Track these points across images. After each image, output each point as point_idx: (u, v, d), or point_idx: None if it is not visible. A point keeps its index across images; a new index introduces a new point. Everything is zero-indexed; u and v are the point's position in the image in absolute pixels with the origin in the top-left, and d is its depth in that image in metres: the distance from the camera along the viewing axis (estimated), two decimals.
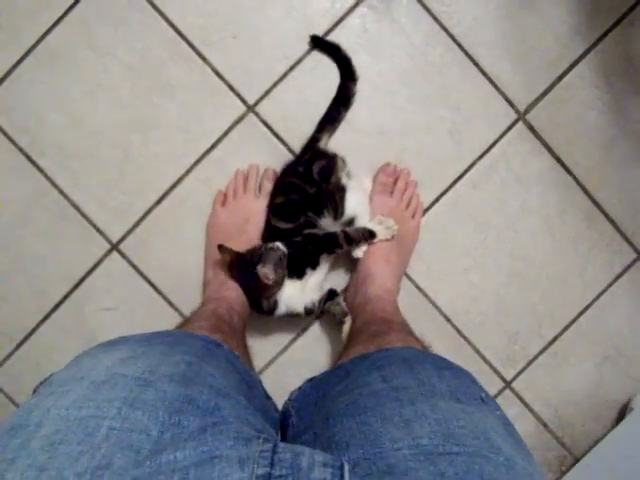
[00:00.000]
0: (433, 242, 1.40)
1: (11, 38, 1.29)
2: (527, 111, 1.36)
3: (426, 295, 1.42)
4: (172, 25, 1.30)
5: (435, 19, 1.31)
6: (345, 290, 1.37)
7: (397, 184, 1.35)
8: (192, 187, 1.36)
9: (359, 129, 1.34)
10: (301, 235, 1.24)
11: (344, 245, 1.24)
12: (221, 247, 1.23)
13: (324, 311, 1.31)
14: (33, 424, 0.60)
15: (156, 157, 1.34)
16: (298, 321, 1.37)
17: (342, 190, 1.26)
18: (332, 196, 1.24)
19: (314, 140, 1.31)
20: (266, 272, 1.16)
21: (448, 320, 1.43)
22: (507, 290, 1.43)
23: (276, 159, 1.33)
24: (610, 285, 1.44)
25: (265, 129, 1.34)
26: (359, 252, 1.29)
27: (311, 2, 1.30)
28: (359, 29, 1.31)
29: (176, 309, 1.40)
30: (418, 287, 1.41)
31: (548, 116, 1.36)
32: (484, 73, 1.34)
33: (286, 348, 1.43)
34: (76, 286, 1.38)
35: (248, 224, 1.31)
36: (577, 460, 1.50)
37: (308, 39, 1.31)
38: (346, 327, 1.26)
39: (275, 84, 1.32)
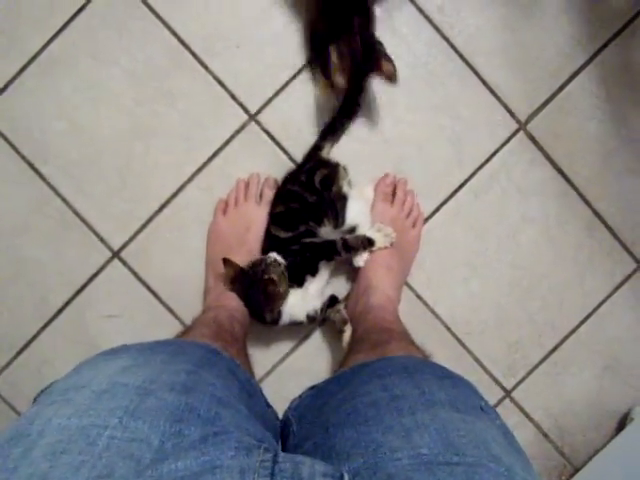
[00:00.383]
0: (434, 251, 1.40)
1: (14, 46, 1.30)
2: (528, 121, 1.36)
3: (426, 304, 1.42)
4: (175, 34, 1.30)
5: (436, 29, 1.32)
6: (346, 298, 1.37)
7: (397, 194, 1.35)
8: (193, 195, 1.36)
9: (360, 138, 1.35)
10: (300, 244, 1.24)
11: (342, 252, 1.24)
12: (226, 261, 1.23)
13: (325, 318, 1.31)
14: (34, 433, 0.59)
15: (158, 165, 1.35)
16: (299, 329, 1.37)
17: (343, 199, 1.26)
18: (333, 205, 1.25)
19: (316, 149, 1.31)
20: (272, 278, 1.17)
21: (448, 329, 1.43)
22: (507, 299, 1.43)
23: (277, 168, 1.34)
24: (610, 295, 1.44)
25: (267, 138, 1.34)
26: (360, 261, 1.29)
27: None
28: None
29: (177, 317, 1.40)
30: (419, 296, 1.41)
31: (549, 126, 1.36)
32: (485, 83, 1.34)
33: (287, 356, 1.43)
34: (77, 293, 1.38)
35: (249, 232, 1.31)
36: (577, 470, 1.49)
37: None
38: (346, 335, 1.26)
39: (277, 93, 1.33)
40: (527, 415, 1.48)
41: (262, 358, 1.41)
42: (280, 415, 1.00)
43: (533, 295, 1.43)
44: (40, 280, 1.38)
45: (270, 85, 1.33)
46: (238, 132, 1.34)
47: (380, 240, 1.28)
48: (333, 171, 1.28)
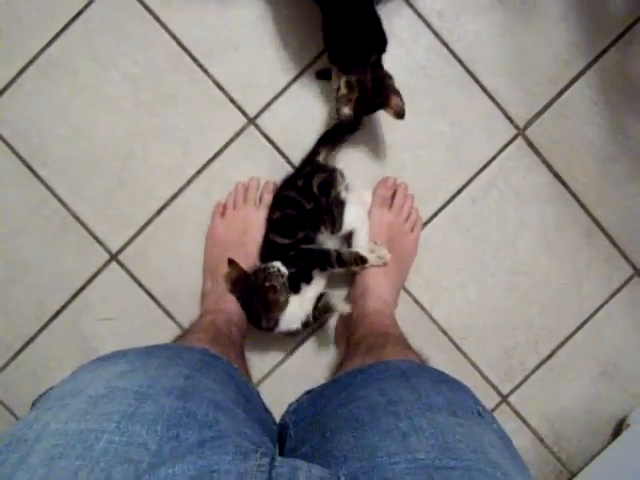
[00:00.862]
0: (431, 256, 1.40)
1: (14, 48, 1.30)
2: (526, 127, 1.36)
3: (424, 309, 1.42)
4: (174, 37, 1.31)
5: (436, 35, 1.32)
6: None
7: (395, 198, 1.35)
8: (192, 198, 1.36)
9: (358, 142, 1.35)
10: (296, 250, 1.24)
11: (335, 265, 1.23)
12: (231, 261, 1.23)
13: (321, 312, 1.28)
14: (32, 438, 0.59)
15: (156, 168, 1.35)
16: (294, 337, 1.38)
17: (341, 204, 1.26)
18: (330, 211, 1.25)
19: (314, 154, 1.31)
20: (274, 285, 1.18)
21: (445, 334, 1.43)
22: (505, 305, 1.43)
23: (276, 171, 1.34)
24: (607, 301, 1.45)
25: (265, 142, 1.35)
26: (357, 268, 1.29)
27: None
28: None
29: (174, 320, 1.40)
30: (416, 301, 1.42)
31: (547, 132, 1.37)
32: (484, 89, 1.34)
33: (284, 361, 1.43)
34: (74, 296, 1.38)
35: (247, 235, 1.32)
36: (573, 475, 1.50)
37: (310, 54, 1.31)
38: (338, 306, 1.25)
39: (276, 97, 1.33)
40: (524, 420, 1.48)
41: (259, 362, 1.41)
42: (277, 419, 1.00)
43: (530, 301, 1.44)
44: (37, 282, 1.38)
45: (269, 89, 1.33)
46: (237, 136, 1.34)
47: (372, 260, 1.28)
48: (330, 176, 1.28)
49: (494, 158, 1.37)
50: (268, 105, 1.33)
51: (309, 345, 1.42)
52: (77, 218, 1.35)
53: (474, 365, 1.44)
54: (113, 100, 1.33)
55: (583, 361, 1.46)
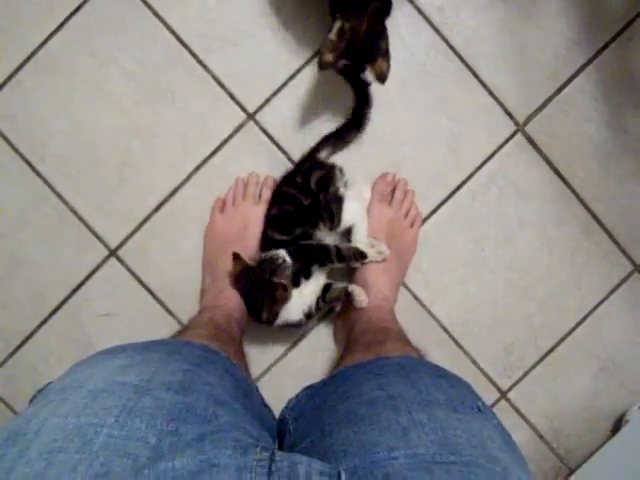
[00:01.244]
0: (431, 252, 1.40)
1: (12, 44, 1.30)
2: (526, 123, 1.36)
3: (423, 305, 1.42)
4: (173, 33, 1.30)
5: (436, 30, 1.32)
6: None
7: (395, 193, 1.35)
8: (191, 194, 1.36)
9: (358, 138, 1.35)
10: (296, 245, 1.24)
11: (335, 261, 1.23)
12: (236, 256, 1.23)
13: (327, 303, 1.29)
14: (31, 432, 0.59)
15: (156, 164, 1.35)
16: (297, 328, 1.37)
17: (339, 200, 1.26)
18: (328, 207, 1.25)
19: (315, 151, 1.31)
20: (284, 283, 1.18)
21: (445, 330, 1.43)
22: (504, 301, 1.43)
23: (275, 167, 1.34)
24: (607, 297, 1.45)
25: (265, 137, 1.34)
26: (356, 263, 1.29)
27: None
28: None
29: (174, 316, 1.40)
30: (415, 297, 1.42)
31: (547, 128, 1.36)
32: (484, 84, 1.34)
33: (283, 356, 1.43)
34: (74, 291, 1.38)
35: (246, 231, 1.31)
36: (572, 471, 1.50)
37: (310, 49, 1.31)
38: (356, 292, 1.26)
39: (275, 92, 1.33)
40: (523, 416, 1.48)
41: (259, 357, 1.41)
42: (277, 415, 1.00)
43: (529, 297, 1.44)
44: (36, 278, 1.38)
45: (268, 84, 1.33)
46: (236, 131, 1.34)
47: (372, 255, 1.27)
48: (329, 172, 1.28)
49: (494, 154, 1.37)
50: (268, 100, 1.33)
51: (308, 341, 1.42)
52: (76, 214, 1.35)
53: (473, 361, 1.45)
54: (112, 96, 1.32)
55: (582, 357, 1.47)
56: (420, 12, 1.31)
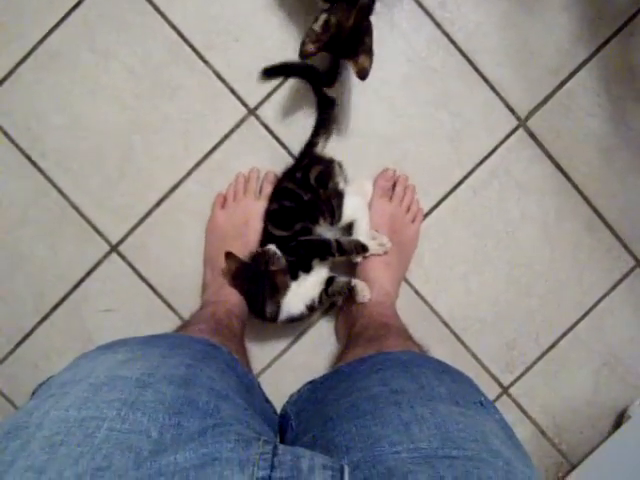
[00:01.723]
0: (432, 247, 1.40)
1: (13, 39, 1.29)
2: (528, 118, 1.36)
3: (425, 300, 1.42)
4: (174, 28, 1.30)
5: (437, 25, 1.32)
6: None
7: (396, 189, 1.35)
8: (192, 189, 1.36)
9: (359, 133, 1.34)
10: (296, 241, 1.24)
11: (336, 254, 1.23)
12: (228, 254, 1.22)
13: (330, 296, 1.28)
14: (33, 425, 0.59)
15: (157, 159, 1.34)
16: (299, 323, 1.37)
17: (339, 195, 1.26)
18: (329, 202, 1.24)
19: (311, 145, 1.31)
20: (282, 268, 1.19)
21: (446, 325, 1.43)
22: (506, 296, 1.43)
23: (276, 162, 1.33)
24: (609, 292, 1.44)
25: (266, 132, 1.34)
26: (358, 257, 1.29)
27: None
28: None
29: (175, 311, 1.39)
30: (417, 292, 1.41)
31: (549, 123, 1.36)
32: (485, 79, 1.34)
33: (284, 352, 1.42)
34: (75, 287, 1.38)
35: (247, 227, 1.31)
36: (574, 467, 1.50)
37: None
38: (359, 286, 1.26)
39: (276, 88, 1.33)
40: (524, 412, 1.48)
41: (260, 353, 1.41)
42: (278, 410, 1.00)
43: (531, 292, 1.43)
44: (37, 274, 1.38)
45: (269, 80, 1.33)
46: (237, 126, 1.34)
47: (374, 248, 1.27)
48: (328, 168, 1.28)
49: (495, 149, 1.37)
50: (269, 96, 1.33)
51: (310, 336, 1.42)
52: (77, 209, 1.35)
53: (475, 356, 1.44)
54: (113, 91, 1.32)
55: (584, 353, 1.46)
56: (421, 6, 1.31)
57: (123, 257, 1.37)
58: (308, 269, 1.25)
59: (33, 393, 0.72)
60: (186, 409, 0.64)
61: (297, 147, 1.34)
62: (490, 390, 1.45)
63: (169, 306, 1.39)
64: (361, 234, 1.28)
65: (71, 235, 1.36)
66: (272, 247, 1.21)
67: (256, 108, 1.33)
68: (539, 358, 1.46)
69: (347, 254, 1.25)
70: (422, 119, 1.35)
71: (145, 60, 1.31)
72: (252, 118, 1.33)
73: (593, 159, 1.38)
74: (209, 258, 1.34)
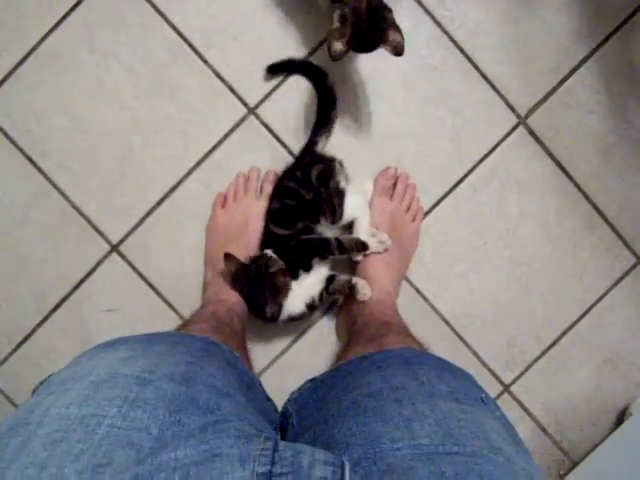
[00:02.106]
0: (433, 246, 1.40)
1: (13, 39, 1.29)
2: (528, 115, 1.36)
3: (425, 298, 1.42)
4: (174, 27, 1.30)
5: (437, 23, 1.32)
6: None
7: (396, 187, 1.35)
8: (192, 189, 1.36)
9: (359, 132, 1.35)
10: (296, 240, 1.24)
11: (336, 252, 1.23)
12: (227, 255, 1.22)
13: (330, 294, 1.28)
14: (34, 423, 0.60)
15: (157, 159, 1.34)
16: (300, 322, 1.37)
17: (340, 194, 1.26)
18: (330, 201, 1.25)
19: (311, 144, 1.31)
20: (284, 279, 1.20)
21: (447, 323, 1.43)
22: (506, 294, 1.43)
23: (277, 161, 1.34)
24: (609, 290, 1.44)
25: (266, 131, 1.34)
26: (358, 255, 1.29)
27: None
28: None
29: (175, 311, 1.40)
30: (418, 290, 1.41)
31: (549, 121, 1.36)
32: (485, 77, 1.34)
33: (285, 351, 1.42)
34: (75, 287, 1.38)
35: (248, 226, 1.31)
36: (575, 464, 1.50)
37: (310, 43, 1.31)
38: (360, 284, 1.25)
39: (276, 87, 1.33)
40: (526, 410, 1.48)
41: (261, 352, 1.41)
42: (279, 407, 1.00)
43: (532, 290, 1.43)
44: (38, 274, 1.38)
45: (269, 78, 1.33)
46: (237, 126, 1.34)
47: (374, 245, 1.28)
48: (329, 166, 1.28)
49: (495, 147, 1.37)
50: (268, 95, 1.33)
51: (310, 335, 1.42)
52: (77, 209, 1.35)
53: (476, 354, 1.44)
54: (112, 91, 1.32)
55: (585, 350, 1.46)
56: (421, 5, 1.31)
57: (123, 257, 1.37)
58: (308, 268, 1.25)
59: (34, 391, 0.72)
60: (187, 406, 0.64)
61: (297, 146, 1.34)
62: (491, 388, 1.45)
63: (170, 306, 1.39)
64: (362, 232, 1.28)
65: (72, 235, 1.36)
66: (268, 252, 1.22)
67: (256, 107, 1.33)
68: (540, 356, 1.46)
69: (347, 252, 1.25)
70: (422, 117, 1.35)
71: (145, 60, 1.31)
72: (252, 117, 1.33)
73: (593, 156, 1.38)
74: (209, 258, 1.34)
